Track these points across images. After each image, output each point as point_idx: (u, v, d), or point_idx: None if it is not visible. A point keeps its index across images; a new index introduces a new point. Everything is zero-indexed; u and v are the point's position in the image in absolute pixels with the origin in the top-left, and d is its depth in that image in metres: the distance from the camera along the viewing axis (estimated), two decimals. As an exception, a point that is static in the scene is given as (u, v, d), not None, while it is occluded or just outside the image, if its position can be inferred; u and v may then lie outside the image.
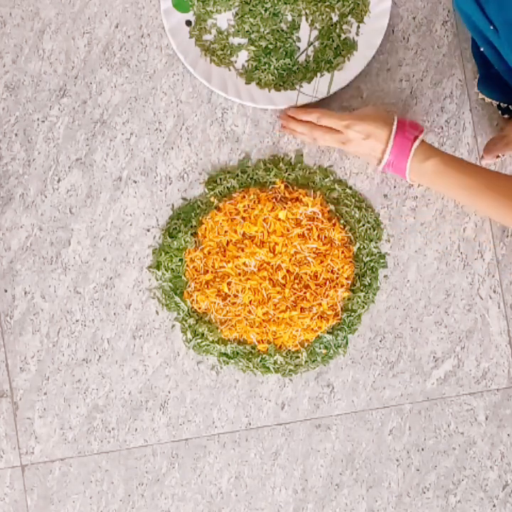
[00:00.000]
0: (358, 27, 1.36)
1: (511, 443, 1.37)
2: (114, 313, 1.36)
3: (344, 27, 1.36)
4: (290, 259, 1.33)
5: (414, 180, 1.27)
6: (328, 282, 1.33)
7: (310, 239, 1.33)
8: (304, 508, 1.36)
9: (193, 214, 1.36)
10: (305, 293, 1.33)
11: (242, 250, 1.33)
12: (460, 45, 1.38)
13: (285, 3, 1.35)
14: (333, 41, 1.35)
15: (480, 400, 1.37)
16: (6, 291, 1.36)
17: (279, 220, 1.33)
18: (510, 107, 1.34)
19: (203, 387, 1.36)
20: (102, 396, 1.36)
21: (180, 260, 1.35)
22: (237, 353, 1.35)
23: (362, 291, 1.35)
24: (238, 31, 1.36)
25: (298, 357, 1.35)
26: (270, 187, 1.36)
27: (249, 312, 1.33)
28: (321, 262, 1.33)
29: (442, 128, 1.38)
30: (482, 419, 1.37)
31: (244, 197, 1.35)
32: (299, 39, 1.36)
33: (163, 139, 1.37)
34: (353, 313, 1.35)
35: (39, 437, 1.36)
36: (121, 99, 1.37)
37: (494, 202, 1.20)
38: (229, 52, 1.36)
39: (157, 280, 1.36)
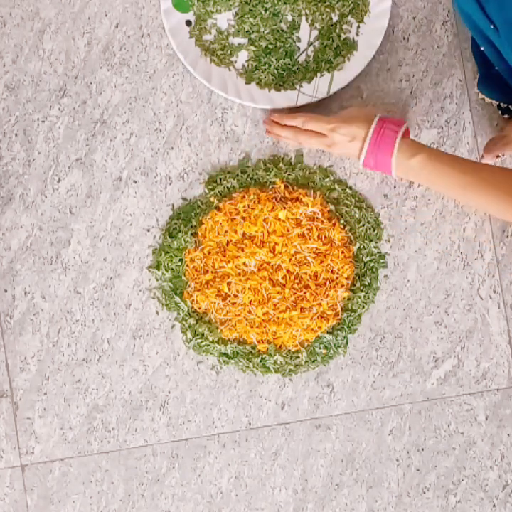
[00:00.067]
0: (358, 27, 1.36)
1: (511, 443, 1.37)
2: (114, 313, 1.36)
3: (344, 27, 1.36)
4: (290, 259, 1.33)
5: (401, 176, 1.26)
6: (328, 282, 1.33)
7: (310, 239, 1.33)
8: (303, 508, 1.36)
9: (193, 214, 1.36)
10: (305, 293, 1.33)
11: (242, 250, 1.33)
12: (460, 45, 1.38)
13: (285, 3, 1.35)
14: (333, 41, 1.35)
15: (480, 400, 1.37)
16: (6, 291, 1.36)
17: (279, 220, 1.33)
18: (510, 107, 1.34)
19: (203, 387, 1.36)
20: (102, 396, 1.36)
21: (180, 260, 1.35)
22: (237, 353, 1.35)
23: (362, 291, 1.35)
24: (238, 31, 1.36)
25: (298, 357, 1.35)
26: (270, 187, 1.36)
27: (249, 312, 1.33)
28: (321, 262, 1.33)
29: (442, 128, 1.38)
30: (482, 419, 1.37)
31: (244, 197, 1.35)
32: (299, 39, 1.36)
33: (163, 139, 1.37)
34: (353, 313, 1.35)
35: (39, 437, 1.35)
36: (121, 99, 1.37)
37: (482, 194, 1.20)
38: (229, 52, 1.36)
39: (157, 280, 1.36)
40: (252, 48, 1.36)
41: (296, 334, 1.33)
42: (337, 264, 1.33)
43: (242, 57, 1.36)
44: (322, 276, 1.33)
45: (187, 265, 1.35)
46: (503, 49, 1.21)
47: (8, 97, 1.37)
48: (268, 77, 1.36)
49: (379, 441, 1.36)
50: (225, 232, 1.34)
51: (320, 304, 1.33)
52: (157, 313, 1.36)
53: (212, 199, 1.36)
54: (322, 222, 1.34)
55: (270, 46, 1.36)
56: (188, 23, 1.36)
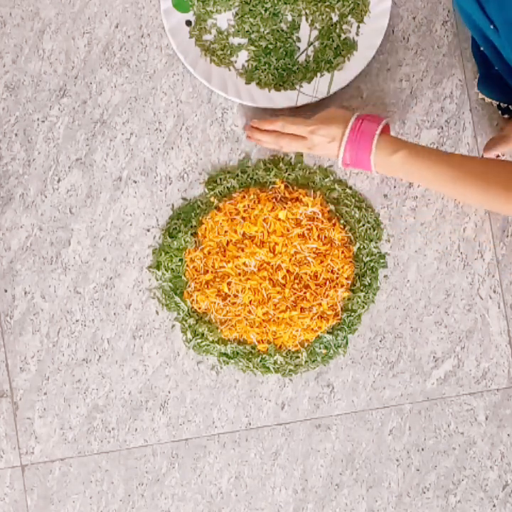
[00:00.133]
0: (358, 27, 1.36)
1: (511, 443, 1.37)
2: (114, 313, 1.36)
3: (344, 27, 1.36)
4: (290, 259, 1.33)
5: (382, 173, 1.26)
6: (328, 282, 1.33)
7: (310, 239, 1.33)
8: (303, 508, 1.36)
9: (193, 214, 1.36)
10: (305, 293, 1.33)
11: (242, 250, 1.33)
12: (460, 45, 1.38)
13: (285, 3, 1.35)
14: (333, 41, 1.35)
15: (480, 400, 1.37)
16: (6, 291, 1.36)
17: (279, 220, 1.33)
18: (510, 107, 1.34)
19: (203, 387, 1.36)
20: (102, 396, 1.36)
21: (180, 260, 1.35)
22: (237, 353, 1.35)
23: (362, 291, 1.35)
24: (238, 31, 1.36)
25: (298, 357, 1.35)
26: (270, 187, 1.36)
27: (249, 312, 1.33)
28: (321, 262, 1.33)
29: (442, 128, 1.38)
30: (482, 419, 1.37)
31: (244, 197, 1.35)
32: (299, 39, 1.36)
33: (163, 139, 1.37)
34: (353, 313, 1.35)
35: (39, 437, 1.36)
36: (121, 99, 1.37)
37: (465, 186, 1.20)
38: (229, 52, 1.36)
39: (157, 280, 1.36)
40: (252, 48, 1.36)
41: (296, 334, 1.33)
42: (337, 264, 1.33)
43: (242, 57, 1.36)
44: (322, 276, 1.33)
45: (187, 265, 1.35)
46: (503, 49, 1.21)
47: (8, 97, 1.37)
48: (268, 77, 1.36)
49: (379, 441, 1.36)
50: (225, 232, 1.34)
51: (320, 304, 1.33)
52: (157, 313, 1.36)
53: (212, 199, 1.36)
54: (322, 222, 1.34)
55: (270, 46, 1.36)
56: (188, 23, 1.36)
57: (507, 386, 1.37)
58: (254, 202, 1.34)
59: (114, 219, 1.37)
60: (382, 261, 1.36)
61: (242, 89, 1.35)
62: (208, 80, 1.35)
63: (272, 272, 1.33)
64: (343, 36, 1.36)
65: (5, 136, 1.37)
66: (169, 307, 1.35)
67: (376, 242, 1.36)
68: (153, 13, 1.37)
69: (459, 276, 1.37)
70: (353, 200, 1.36)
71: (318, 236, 1.34)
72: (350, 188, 1.37)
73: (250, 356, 1.35)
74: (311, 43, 1.36)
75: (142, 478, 1.36)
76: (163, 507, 1.36)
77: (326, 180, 1.36)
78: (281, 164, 1.36)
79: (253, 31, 1.36)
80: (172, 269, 1.35)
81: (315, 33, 1.36)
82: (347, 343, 1.36)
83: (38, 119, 1.37)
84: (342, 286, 1.34)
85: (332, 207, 1.36)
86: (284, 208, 1.33)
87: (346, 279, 1.34)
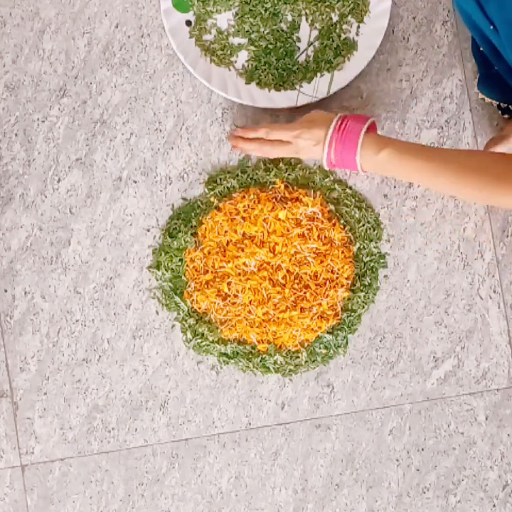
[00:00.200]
0: (358, 27, 1.36)
1: (511, 443, 1.37)
2: (114, 313, 1.36)
3: (344, 27, 1.36)
4: (290, 259, 1.33)
5: (370, 171, 1.25)
6: (328, 282, 1.33)
7: (310, 239, 1.33)
8: (303, 508, 1.36)
9: (193, 214, 1.36)
10: (305, 293, 1.33)
11: (242, 250, 1.33)
12: (460, 45, 1.38)
13: (285, 3, 1.35)
14: (333, 41, 1.35)
15: (480, 399, 1.37)
16: (6, 291, 1.36)
17: (279, 220, 1.33)
18: (510, 107, 1.34)
19: (203, 387, 1.36)
20: (102, 396, 1.36)
21: (180, 260, 1.35)
22: (237, 353, 1.35)
23: (362, 291, 1.35)
24: (238, 31, 1.36)
25: (298, 357, 1.35)
26: (270, 187, 1.36)
27: (249, 312, 1.33)
28: (321, 262, 1.33)
29: (442, 128, 1.38)
30: (482, 419, 1.37)
31: (244, 197, 1.35)
32: (299, 39, 1.36)
33: (163, 139, 1.37)
34: (353, 313, 1.35)
35: (39, 437, 1.36)
36: (121, 99, 1.37)
37: (455, 179, 1.19)
38: (229, 52, 1.36)
39: (157, 280, 1.36)
40: (252, 48, 1.36)
41: (296, 334, 1.33)
42: (337, 264, 1.33)
43: (242, 57, 1.36)
44: (322, 276, 1.33)
45: (187, 265, 1.35)
46: (502, 49, 1.21)
47: (8, 97, 1.37)
48: (268, 77, 1.36)
49: (379, 441, 1.36)
50: (225, 232, 1.34)
51: (320, 304, 1.33)
52: (157, 313, 1.36)
53: (212, 199, 1.36)
54: (322, 222, 1.34)
55: (270, 46, 1.36)
56: (188, 23, 1.36)
57: (507, 386, 1.37)
58: (254, 202, 1.34)
59: (114, 219, 1.37)
60: (382, 261, 1.36)
61: (242, 89, 1.35)
62: (208, 80, 1.35)
63: (271, 271, 1.33)
64: (343, 36, 1.36)
65: (5, 136, 1.37)
66: (169, 307, 1.35)
67: (376, 242, 1.36)
68: (153, 13, 1.37)
69: (459, 276, 1.37)
70: (353, 200, 1.36)
71: (318, 236, 1.34)
72: (350, 188, 1.37)
73: (250, 356, 1.35)
74: (311, 43, 1.36)
75: (142, 478, 1.36)
76: (163, 507, 1.36)
77: (326, 180, 1.36)
78: (281, 164, 1.36)
79: (253, 31, 1.36)
80: (172, 269, 1.35)
81: (315, 33, 1.36)
82: (347, 343, 1.36)
83: (38, 119, 1.37)
84: (342, 286, 1.34)
85: (332, 207, 1.36)
86: (284, 207, 1.33)
87: (346, 279, 1.34)
